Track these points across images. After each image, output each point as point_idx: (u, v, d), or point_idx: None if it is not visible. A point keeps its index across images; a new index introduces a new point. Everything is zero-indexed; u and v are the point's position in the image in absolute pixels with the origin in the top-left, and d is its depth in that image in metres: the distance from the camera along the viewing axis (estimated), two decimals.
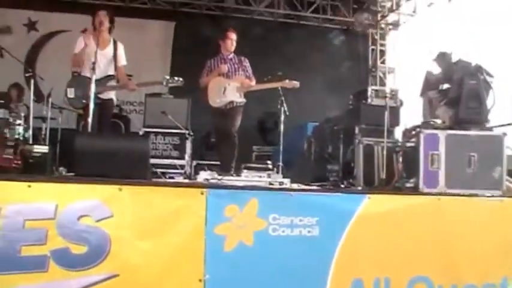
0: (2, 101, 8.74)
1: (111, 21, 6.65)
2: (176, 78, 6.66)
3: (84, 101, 6.16)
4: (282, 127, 7.40)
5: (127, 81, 6.72)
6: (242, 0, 11.49)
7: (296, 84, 7.04)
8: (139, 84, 6.98)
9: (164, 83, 6.76)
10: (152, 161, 7.20)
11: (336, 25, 12.27)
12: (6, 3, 10.94)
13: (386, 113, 6.75)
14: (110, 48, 6.54)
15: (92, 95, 5.92)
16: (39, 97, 9.08)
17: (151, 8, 11.41)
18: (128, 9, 11.22)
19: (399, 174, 5.86)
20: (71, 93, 6.37)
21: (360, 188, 6.74)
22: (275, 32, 11.36)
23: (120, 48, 6.61)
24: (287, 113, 7.27)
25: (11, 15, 11.09)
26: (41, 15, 11.32)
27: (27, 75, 8.31)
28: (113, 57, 6.51)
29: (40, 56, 11.29)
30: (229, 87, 7.04)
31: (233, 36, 7.27)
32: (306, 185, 5.79)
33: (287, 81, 7.01)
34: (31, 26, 11.33)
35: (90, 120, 5.86)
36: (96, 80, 6.05)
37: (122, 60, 6.60)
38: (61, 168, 8.09)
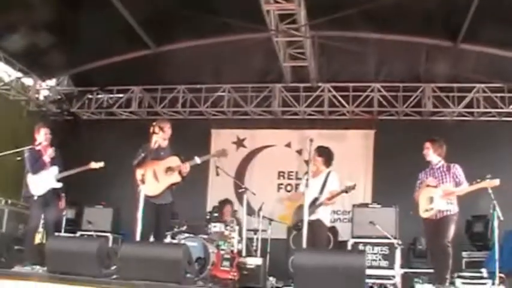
0: (216, 214, 9.53)
1: (321, 155, 7.38)
2: (351, 184, 7.13)
3: (299, 224, 6.72)
4: (496, 232, 6.96)
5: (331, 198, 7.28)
6: (439, 102, 11.30)
7: (495, 182, 6.62)
8: (329, 197, 7.29)
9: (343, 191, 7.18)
10: None
11: None
12: (218, 125, 12.13)
13: None
14: (321, 177, 7.30)
15: (306, 220, 6.39)
16: (249, 210, 9.62)
17: (350, 118, 11.72)
18: (329, 121, 11.72)
19: None
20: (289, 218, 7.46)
21: None
22: (476, 131, 10.92)
23: (332, 176, 7.31)
24: (501, 218, 6.84)
25: (223, 135, 12.16)
26: (248, 133, 12.24)
27: (240, 190, 8.90)
28: (323, 183, 7.24)
29: (248, 170, 12.04)
30: (436, 196, 6.88)
31: (427, 144, 7.22)
32: None
33: (488, 181, 6.64)
34: (239, 143, 12.25)
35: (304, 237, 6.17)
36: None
37: (332, 187, 7.25)
38: (271, 278, 8.40)
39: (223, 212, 9.72)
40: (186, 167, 6.98)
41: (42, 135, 7.80)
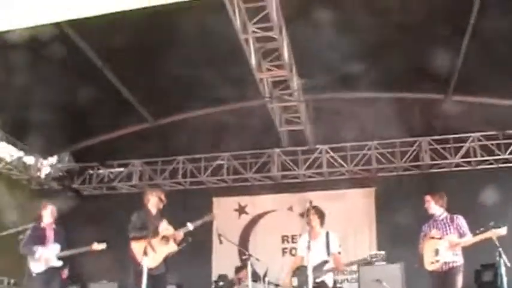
0: (222, 283, 9.43)
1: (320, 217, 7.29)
2: (379, 252, 6.90)
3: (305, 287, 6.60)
4: (505, 280, 6.88)
5: (338, 264, 7.17)
6: (436, 155, 11.38)
7: (500, 232, 6.59)
8: (348, 264, 7.38)
9: (369, 259, 7.07)
10: None
11: None
12: (219, 194, 12.19)
13: None
14: (322, 238, 7.17)
15: (310, 282, 6.29)
16: (254, 276, 9.52)
17: (350, 178, 11.79)
18: (329, 182, 11.76)
19: None
20: (294, 281, 7.07)
21: None
22: (475, 180, 10.95)
23: (332, 237, 7.18)
24: (508, 265, 6.78)
25: (224, 203, 12.20)
26: (249, 199, 12.28)
27: (244, 257, 8.85)
28: (325, 245, 7.10)
29: (251, 237, 12.01)
30: (441, 248, 6.86)
31: (427, 198, 7.26)
32: None
33: (493, 230, 6.61)
34: (241, 210, 12.27)
35: None
36: (314, 267, 6.50)
37: (334, 249, 7.12)
38: None
39: (241, 277, 9.64)
40: (180, 235, 7.02)
41: (49, 213, 7.83)
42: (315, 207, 7.34)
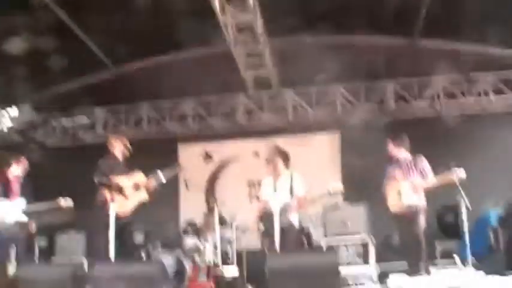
0: (190, 229, 9.50)
1: (285, 159, 7.20)
2: (336, 185, 6.91)
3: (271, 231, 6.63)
4: (466, 222, 7.05)
5: (302, 204, 7.14)
6: (400, 98, 11.44)
7: (460, 174, 6.70)
8: (310, 200, 7.26)
9: (330, 193, 6.98)
10: None
11: None
12: (185, 140, 12.14)
13: None
14: (286, 180, 7.13)
15: (277, 226, 6.34)
16: (222, 222, 9.59)
17: (315, 122, 11.80)
18: (294, 127, 11.74)
19: None
20: (261, 226, 7.16)
21: None
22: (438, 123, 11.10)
23: (296, 179, 7.14)
24: (469, 208, 6.94)
25: (190, 150, 12.22)
26: (215, 145, 12.27)
27: (210, 203, 8.89)
28: (289, 187, 7.06)
29: (218, 183, 12.03)
30: (404, 190, 6.98)
31: (388, 141, 7.34)
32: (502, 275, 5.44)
33: (454, 173, 6.69)
34: (207, 156, 12.25)
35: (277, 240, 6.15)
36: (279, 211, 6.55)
37: (298, 191, 7.08)
38: (250, 287, 8.42)
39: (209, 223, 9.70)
40: (152, 184, 7.00)
41: (20, 168, 7.68)
42: (279, 150, 7.33)
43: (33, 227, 7.84)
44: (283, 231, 6.59)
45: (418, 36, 10.97)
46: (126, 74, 12.21)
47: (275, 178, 7.18)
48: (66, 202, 7.65)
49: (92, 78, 12.38)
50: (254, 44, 9.62)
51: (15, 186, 7.65)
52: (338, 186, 6.99)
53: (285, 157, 7.30)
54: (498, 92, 11.08)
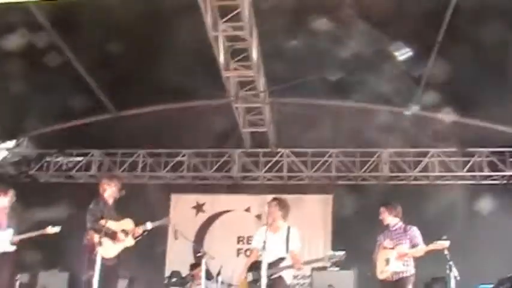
0: (175, 279, 9.39)
1: (280, 207, 6.97)
2: (337, 253, 6.72)
3: (258, 284, 6.37)
4: None
5: (296, 262, 6.80)
6: (396, 168, 11.53)
7: (444, 244, 6.68)
8: (305, 262, 7.07)
9: (327, 260, 6.79)
10: None
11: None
12: (178, 190, 12.13)
13: None
14: (282, 233, 6.85)
15: (264, 277, 6.14)
16: (208, 275, 9.48)
17: (308, 183, 11.87)
18: (288, 186, 11.79)
19: None
20: (249, 276, 6.86)
21: None
22: (432, 194, 11.14)
23: (293, 233, 6.88)
24: (458, 278, 6.89)
25: (183, 200, 12.21)
26: (208, 198, 12.26)
27: (198, 255, 8.82)
28: (285, 240, 6.80)
29: (207, 235, 11.98)
30: (392, 258, 6.94)
31: (382, 209, 7.30)
32: None
33: (437, 242, 6.67)
34: (199, 208, 12.23)
35: None
36: (269, 263, 6.33)
37: (294, 245, 6.82)
38: None
39: (194, 274, 9.59)
40: (138, 232, 6.98)
41: (7, 199, 7.65)
42: (278, 199, 7.11)
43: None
44: (272, 283, 6.37)
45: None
46: (127, 119, 12.32)
47: (270, 229, 6.76)
48: (53, 229, 7.61)
49: (93, 120, 12.47)
50: (255, 100, 9.76)
51: (2, 217, 7.59)
52: (339, 254, 6.81)
53: (285, 207, 7.04)
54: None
